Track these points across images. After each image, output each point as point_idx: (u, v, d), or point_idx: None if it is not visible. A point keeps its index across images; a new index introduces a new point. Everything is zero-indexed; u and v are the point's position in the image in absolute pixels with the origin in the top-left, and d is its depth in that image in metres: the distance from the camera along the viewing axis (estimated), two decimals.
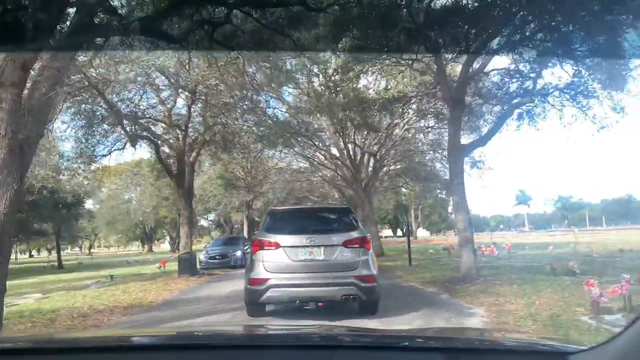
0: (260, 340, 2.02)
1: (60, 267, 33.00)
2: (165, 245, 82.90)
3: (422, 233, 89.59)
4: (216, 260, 20.91)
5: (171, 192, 47.43)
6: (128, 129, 15.70)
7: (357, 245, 6.93)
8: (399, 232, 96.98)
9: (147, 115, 16.30)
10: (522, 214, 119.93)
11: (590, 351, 1.30)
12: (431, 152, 28.50)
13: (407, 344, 1.76)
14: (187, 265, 16.84)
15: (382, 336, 2.07)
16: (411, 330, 2.81)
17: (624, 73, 12.05)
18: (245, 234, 36.10)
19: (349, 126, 20.07)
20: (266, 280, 6.76)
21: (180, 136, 17.77)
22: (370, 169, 26.41)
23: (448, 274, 12.48)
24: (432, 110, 18.82)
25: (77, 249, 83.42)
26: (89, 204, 51.44)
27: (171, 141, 17.96)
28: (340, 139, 23.34)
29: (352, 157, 23.92)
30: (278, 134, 20.28)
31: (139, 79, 14.75)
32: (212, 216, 60.62)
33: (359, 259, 6.86)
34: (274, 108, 23.46)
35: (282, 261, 6.87)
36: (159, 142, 17.65)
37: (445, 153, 26.92)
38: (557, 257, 17.77)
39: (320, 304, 6.94)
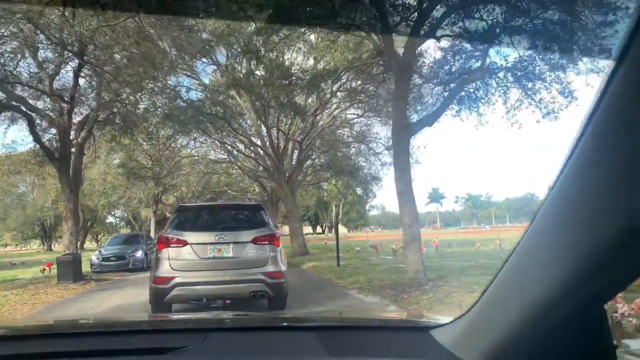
0: (132, 325, 1.93)
1: None
2: None
3: (340, 230, 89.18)
4: (111, 262, 17.66)
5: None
6: None
7: (267, 242, 6.91)
8: (319, 229, 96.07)
9: (14, 79, 12.76)
10: (433, 212, 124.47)
11: (449, 325, 1.38)
12: (356, 145, 26.96)
13: (284, 324, 1.89)
14: (68, 270, 13.65)
15: (259, 319, 2.21)
16: (290, 315, 2.97)
17: (579, 54, 10.89)
18: (153, 232, 32.45)
19: (272, 108, 17.69)
20: (171, 278, 6.55)
21: (65, 110, 14.43)
22: (294, 160, 24.28)
23: (387, 277, 10.64)
24: (365, 91, 16.92)
25: None
26: None
27: (52, 116, 14.54)
28: (262, 124, 20.89)
29: (276, 145, 21.54)
30: (188, 114, 17.49)
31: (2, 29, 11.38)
32: (119, 212, 55.66)
33: (267, 255, 6.84)
34: (188, 88, 20.61)
35: (189, 259, 6.69)
36: (35, 116, 14.17)
37: (372, 145, 25.77)
38: (491, 255, 16.80)
39: (228, 301, 6.79)
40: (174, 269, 6.62)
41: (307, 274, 13.76)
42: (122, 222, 63.84)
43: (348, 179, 31.96)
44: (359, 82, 16.17)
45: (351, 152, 27.92)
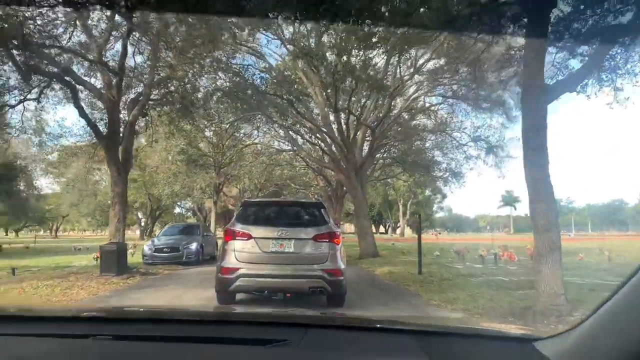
0: (236, 316, 2.14)
1: None
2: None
3: (406, 231, 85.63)
4: (164, 254, 16.06)
5: (140, 173, 42.55)
6: (19, 58, 10.60)
7: (327, 240, 7.09)
8: (381, 229, 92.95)
9: (52, 43, 11.10)
10: (503, 216, 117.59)
11: (552, 339, 1.35)
12: (433, 137, 23.89)
13: (378, 325, 1.82)
14: (112, 261, 12.08)
15: (353, 318, 2.29)
16: (382, 316, 2.93)
17: None
18: (213, 223, 31.18)
19: (344, 84, 15.21)
20: (236, 269, 6.90)
21: (113, 82, 12.84)
22: (364, 150, 21.78)
23: (497, 296, 7.97)
24: (457, 63, 14.00)
25: (49, 231, 78.32)
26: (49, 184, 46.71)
27: (101, 90, 12.99)
28: (331, 107, 18.50)
29: (345, 132, 19.09)
30: (251, 95, 15.53)
31: None
32: (186, 203, 56.25)
33: (327, 253, 7.01)
34: (251, 66, 18.72)
35: (253, 252, 7.01)
36: (79, 87, 12.65)
37: (456, 134, 22.67)
38: (610, 270, 13.58)
39: (288, 294, 7.07)
40: (238, 261, 6.93)
41: (383, 282, 11.28)
42: (189, 213, 64.44)
43: (421, 175, 29.11)
44: (451, 52, 13.29)
45: (427, 144, 24.93)
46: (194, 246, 16.47)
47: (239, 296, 7.52)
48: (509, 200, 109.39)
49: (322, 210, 7.80)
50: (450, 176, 24.75)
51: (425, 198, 79.24)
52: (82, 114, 12.69)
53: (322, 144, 20.92)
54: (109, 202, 50.58)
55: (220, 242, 8.83)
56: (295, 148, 24.11)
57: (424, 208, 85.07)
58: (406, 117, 21.09)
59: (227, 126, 23.28)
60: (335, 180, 28.30)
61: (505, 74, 14.00)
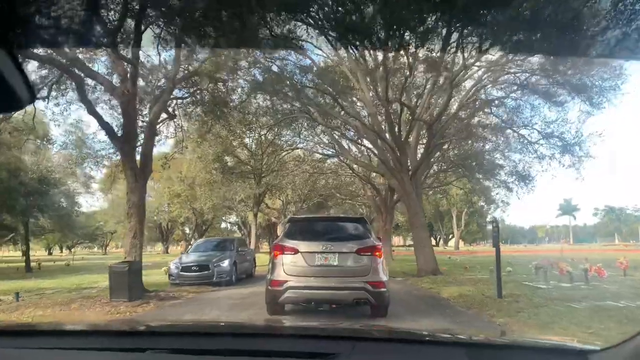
0: (287, 330, 2.17)
1: (29, 271, 26.96)
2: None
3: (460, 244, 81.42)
4: (191, 273, 14.02)
5: (183, 187, 41.71)
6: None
7: (369, 253, 7.32)
8: (432, 241, 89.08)
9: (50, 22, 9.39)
10: (560, 226, 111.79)
11: (607, 351, 1.34)
12: (498, 136, 21.00)
13: (428, 338, 1.79)
14: (123, 284, 10.13)
15: (403, 331, 2.20)
16: (432, 329, 2.72)
17: None
18: (253, 236, 29.29)
19: (394, 67, 12.85)
20: (285, 282, 7.24)
21: (128, 73, 11.03)
22: (419, 152, 19.23)
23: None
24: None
25: (102, 248, 79.69)
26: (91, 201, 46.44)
27: (115, 82, 11.23)
28: (380, 102, 16.09)
29: (397, 130, 16.55)
30: (289, 90, 13.49)
31: None
32: (231, 217, 55.59)
33: (370, 265, 7.25)
34: (285, 58, 16.70)
35: (300, 265, 7.36)
36: (87, 80, 10.92)
37: (524, 132, 19.66)
38: None
39: (333, 305, 7.59)
40: (287, 274, 7.33)
41: (457, 310, 8.69)
42: (235, 227, 63.44)
43: (477, 182, 26.24)
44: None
45: (489, 145, 22.04)
46: (226, 263, 14.34)
47: (286, 307, 7.94)
48: (568, 209, 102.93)
49: (365, 224, 8.10)
50: (517, 180, 21.67)
51: (480, 207, 75.28)
52: (92, 110, 10.89)
53: (371, 146, 18.55)
54: (155, 217, 49.28)
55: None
56: (340, 151, 21.89)
57: (477, 218, 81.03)
58: (466, 113, 18.39)
59: (266, 131, 21.40)
60: (385, 188, 25.85)
61: (600, 48, 11.26)
